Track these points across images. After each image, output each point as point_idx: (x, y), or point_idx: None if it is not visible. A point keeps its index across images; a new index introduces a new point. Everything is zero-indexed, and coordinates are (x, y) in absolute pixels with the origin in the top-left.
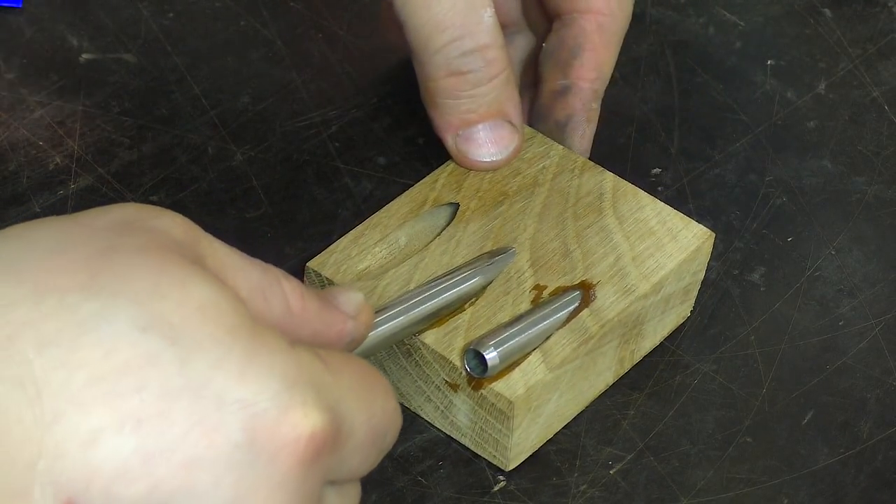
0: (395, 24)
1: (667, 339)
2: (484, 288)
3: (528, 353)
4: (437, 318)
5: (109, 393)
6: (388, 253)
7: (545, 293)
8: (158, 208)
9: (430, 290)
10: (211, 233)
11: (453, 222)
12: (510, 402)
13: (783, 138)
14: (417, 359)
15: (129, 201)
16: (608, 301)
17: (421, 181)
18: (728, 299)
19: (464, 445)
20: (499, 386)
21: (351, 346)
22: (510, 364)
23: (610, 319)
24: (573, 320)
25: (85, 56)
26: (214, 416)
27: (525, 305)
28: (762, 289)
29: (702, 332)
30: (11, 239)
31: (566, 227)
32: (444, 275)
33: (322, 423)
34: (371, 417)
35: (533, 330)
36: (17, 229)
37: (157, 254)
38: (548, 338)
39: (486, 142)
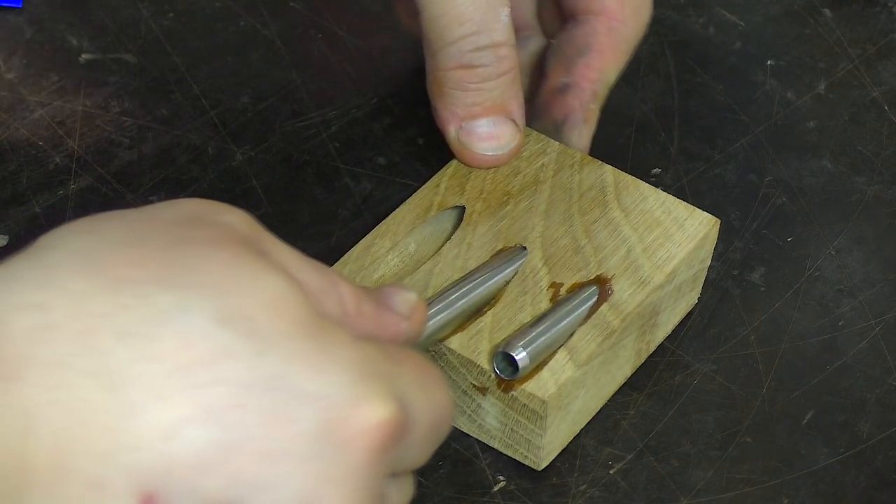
0: (407, 4)
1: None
2: (502, 289)
3: (555, 352)
4: (460, 322)
5: (188, 384)
6: (399, 261)
7: (562, 290)
8: (223, 204)
9: (453, 295)
10: None
11: (461, 226)
12: (543, 402)
13: (783, 138)
14: (442, 365)
15: (129, 202)
16: (625, 294)
17: (423, 186)
18: (728, 299)
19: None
20: (530, 386)
21: (406, 346)
22: (538, 364)
23: (630, 312)
24: (594, 315)
25: (85, 56)
26: (289, 407)
27: (544, 304)
28: (762, 289)
29: (702, 332)
30: (82, 232)
31: (574, 223)
32: (463, 278)
33: (391, 414)
34: (431, 408)
35: (557, 328)
36: (86, 223)
37: (227, 247)
38: (571, 335)
39: (488, 136)
